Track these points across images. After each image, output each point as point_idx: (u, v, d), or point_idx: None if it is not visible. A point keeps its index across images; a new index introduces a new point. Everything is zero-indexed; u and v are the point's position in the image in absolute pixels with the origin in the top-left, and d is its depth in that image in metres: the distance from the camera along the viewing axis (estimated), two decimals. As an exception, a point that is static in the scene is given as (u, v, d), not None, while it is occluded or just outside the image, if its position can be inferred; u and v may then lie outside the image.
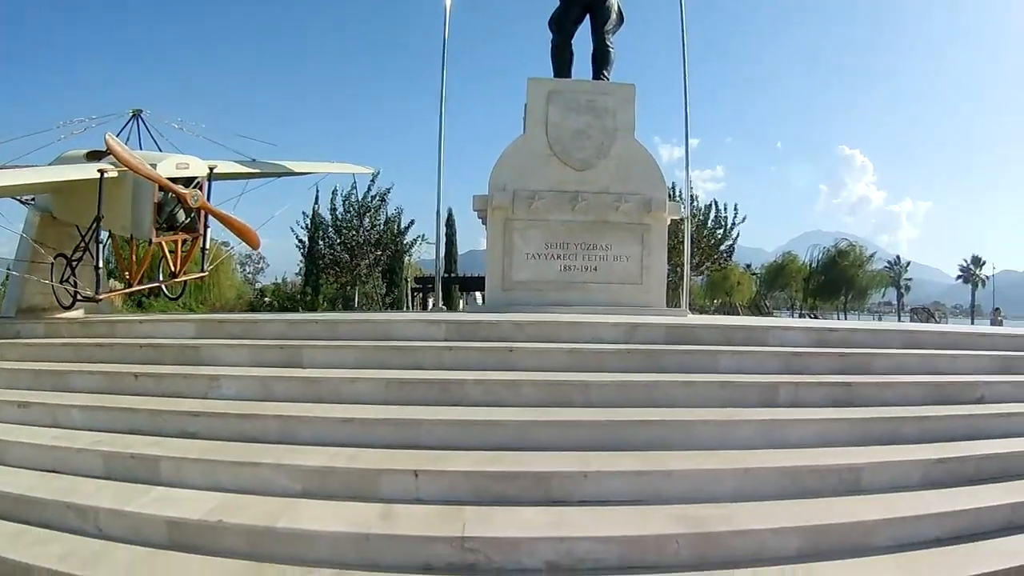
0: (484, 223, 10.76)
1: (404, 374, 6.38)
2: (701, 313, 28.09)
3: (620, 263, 10.06)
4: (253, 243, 10.28)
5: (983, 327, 20.10)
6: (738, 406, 6.18)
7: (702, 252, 32.12)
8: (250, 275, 45.69)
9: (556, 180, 10.18)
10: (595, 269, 10.06)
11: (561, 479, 4.79)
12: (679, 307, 11.69)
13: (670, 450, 5.41)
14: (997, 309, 32.86)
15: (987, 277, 61.27)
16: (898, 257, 61.72)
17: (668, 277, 13.17)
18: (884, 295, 56.16)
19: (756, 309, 40.68)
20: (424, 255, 36.69)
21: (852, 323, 18.65)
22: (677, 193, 19.67)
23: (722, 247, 34.08)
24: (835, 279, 47.23)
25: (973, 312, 60.80)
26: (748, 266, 50.57)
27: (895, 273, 59.02)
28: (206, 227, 9.27)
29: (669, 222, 11.26)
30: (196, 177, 8.61)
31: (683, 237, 14.51)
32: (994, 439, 6.26)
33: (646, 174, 10.33)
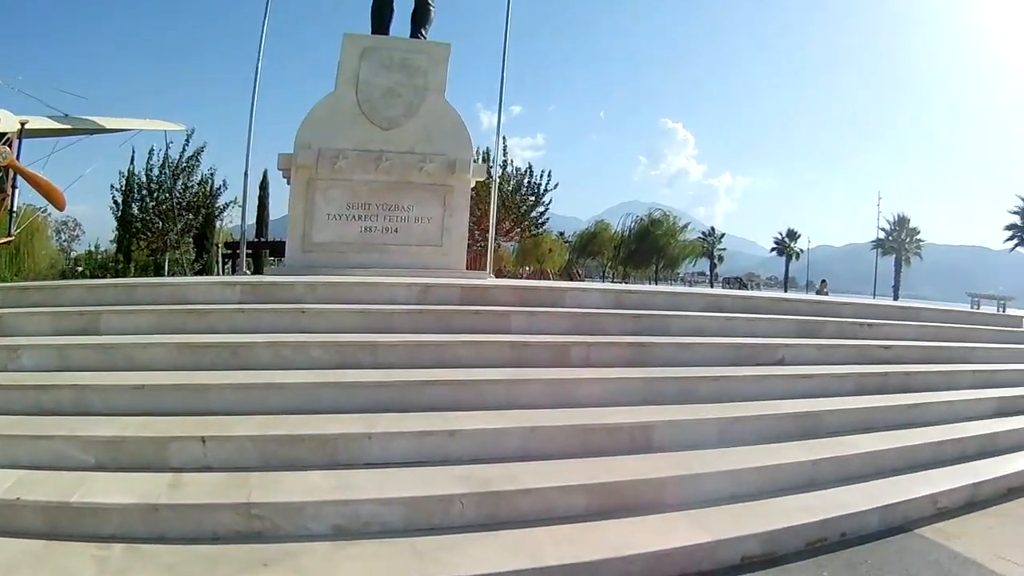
0: (290, 183, 10.23)
1: (197, 338, 6.12)
2: (513, 279, 28.55)
3: (421, 225, 9.83)
4: (59, 204, 9.39)
5: (788, 294, 21.55)
6: (528, 366, 6.18)
7: (513, 218, 32.40)
8: (65, 243, 42.01)
9: (363, 139, 9.81)
10: (396, 231, 9.78)
11: (347, 441, 4.70)
12: (483, 271, 11.66)
13: (458, 411, 5.34)
14: (824, 281, 35.22)
15: (801, 250, 65.30)
16: (712, 228, 64.45)
17: (479, 242, 13.16)
18: (695, 265, 58.61)
19: (568, 276, 41.41)
20: (239, 220, 35.08)
21: (654, 287, 19.36)
22: (492, 159, 19.62)
23: (533, 214, 34.48)
24: (647, 248, 48.20)
25: (787, 283, 65.16)
26: (561, 234, 51.57)
27: (709, 244, 61.01)
28: (14, 187, 8.53)
29: (473, 184, 11.17)
30: (5, 133, 7.92)
31: (495, 201, 14.42)
32: (796, 399, 6.57)
33: (453, 135, 10.13)
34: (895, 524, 5.20)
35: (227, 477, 4.28)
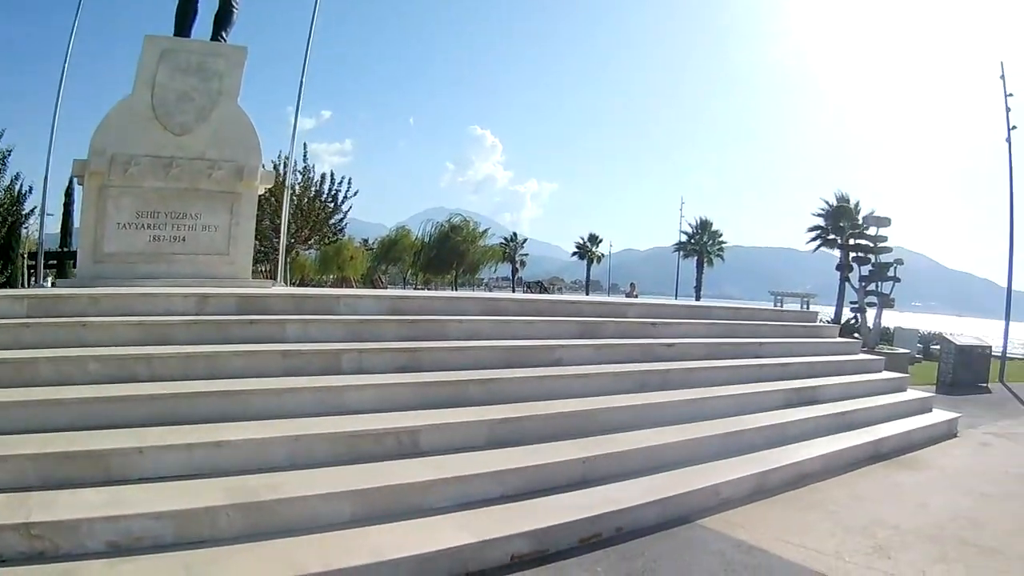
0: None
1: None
2: (317, 287, 28.00)
3: (208, 233, 9.43)
4: None
5: (570, 296, 22.26)
6: (299, 375, 6.15)
7: (312, 226, 31.73)
8: None
9: (156, 145, 9.28)
10: (183, 240, 9.33)
11: (120, 457, 4.61)
12: (275, 280, 11.44)
13: (228, 421, 5.28)
14: (632, 284, 36.26)
15: (602, 255, 66.79)
16: (515, 234, 64.76)
17: (278, 250, 12.87)
18: (496, 270, 58.74)
19: (371, 284, 41.15)
20: (48, 230, 32.65)
21: (434, 292, 19.64)
22: (287, 165, 18.83)
23: (332, 221, 33.65)
24: (447, 254, 48.24)
25: (588, 286, 66.91)
26: (365, 241, 50.83)
27: (511, 249, 61.49)
28: None
29: (263, 191, 10.96)
30: None
31: (294, 208, 14.07)
32: (570, 399, 6.80)
33: (243, 141, 9.80)
34: (676, 516, 5.43)
35: (9, 497, 4.13)
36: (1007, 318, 22.08)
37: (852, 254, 21.04)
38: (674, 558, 4.75)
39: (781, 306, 39.94)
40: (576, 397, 6.90)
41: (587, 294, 53.31)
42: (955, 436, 9.77)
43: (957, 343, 17.68)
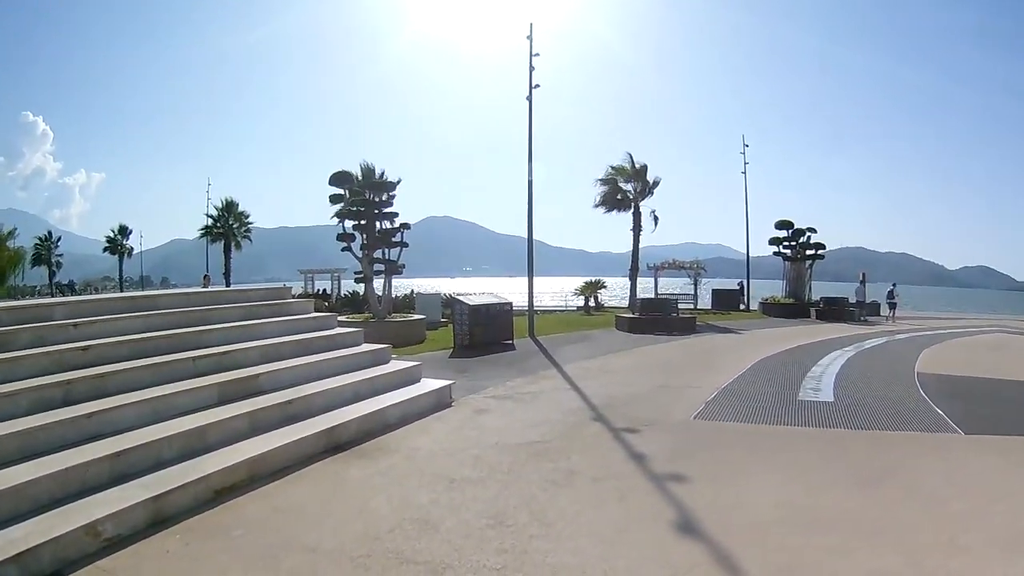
0: None
1: None
2: None
3: None
4: None
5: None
6: None
7: None
8: None
9: None
10: None
11: None
12: None
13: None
14: (206, 276, 32.75)
15: (132, 247, 61.57)
16: (49, 233, 59.33)
17: None
18: (22, 277, 51.66)
19: None
20: None
21: None
22: None
23: None
24: None
25: (121, 283, 60.94)
26: None
27: (46, 249, 56.37)
28: None
29: None
30: None
31: None
32: None
33: None
34: (43, 572, 4.21)
35: None
36: (530, 274, 22.33)
37: (351, 222, 19.94)
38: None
39: (313, 284, 39.52)
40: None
41: (120, 290, 48.01)
42: (449, 406, 9.30)
43: (469, 303, 17.49)
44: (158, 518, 5.04)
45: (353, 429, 7.48)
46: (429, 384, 9.66)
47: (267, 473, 6.11)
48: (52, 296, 42.42)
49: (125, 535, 4.76)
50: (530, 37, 21.37)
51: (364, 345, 10.46)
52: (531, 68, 21.21)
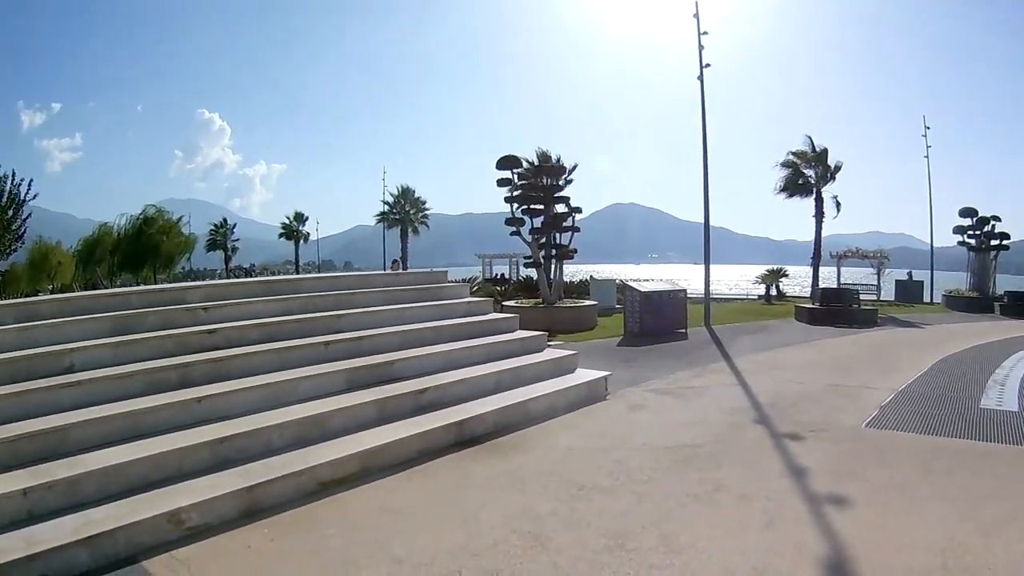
0: None
1: None
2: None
3: None
4: None
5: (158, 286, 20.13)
6: None
7: None
8: None
9: None
10: None
11: None
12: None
13: None
14: (396, 260, 33.90)
15: (308, 233, 63.41)
16: (224, 220, 60.33)
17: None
18: (189, 261, 54.86)
19: (92, 287, 36.78)
20: None
21: None
22: None
23: (14, 227, 29.34)
24: (141, 249, 43.87)
25: (298, 267, 62.99)
26: (59, 243, 45.54)
27: (222, 235, 57.87)
28: None
29: None
30: None
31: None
32: (40, 417, 5.32)
33: None
34: (118, 556, 4.10)
35: None
36: (706, 260, 20.72)
37: (521, 206, 19.41)
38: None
39: (491, 268, 39.64)
40: (50, 414, 5.36)
41: (297, 274, 50.52)
42: (603, 399, 8.58)
43: (641, 290, 16.48)
44: (252, 509, 4.76)
45: (489, 422, 6.93)
46: (583, 375, 8.95)
47: (383, 466, 5.70)
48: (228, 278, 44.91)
49: (213, 524, 4.53)
50: (696, 15, 19.77)
51: (518, 332, 9.88)
52: (700, 47, 19.63)
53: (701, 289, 20.55)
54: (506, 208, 19.51)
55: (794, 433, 6.97)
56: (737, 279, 43.57)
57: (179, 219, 47.40)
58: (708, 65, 19.77)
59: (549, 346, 9.96)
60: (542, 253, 19.76)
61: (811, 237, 30.23)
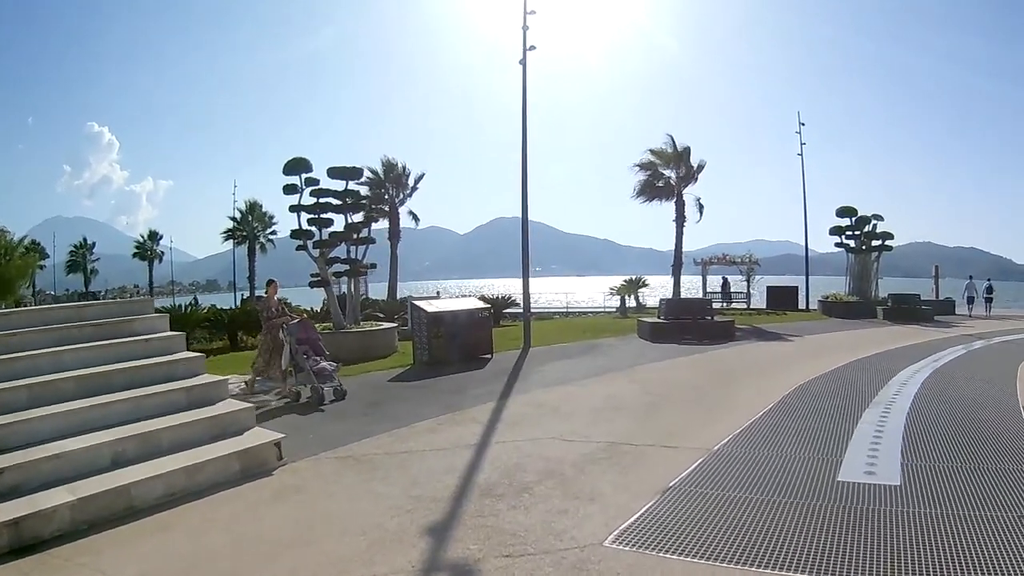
0: None
1: None
2: None
3: None
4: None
5: None
6: None
7: None
8: None
9: None
10: None
11: None
12: None
13: None
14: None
15: (162, 252, 59.57)
16: (84, 240, 57.62)
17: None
18: (31, 287, 50.18)
19: None
20: None
21: None
22: None
23: None
24: None
25: (151, 289, 58.96)
26: None
27: (80, 257, 55.26)
28: None
29: None
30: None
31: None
32: None
33: None
34: None
35: None
36: (524, 271, 17.47)
37: (307, 216, 16.18)
38: None
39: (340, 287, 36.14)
40: None
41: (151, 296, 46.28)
42: (270, 473, 6.14)
43: (428, 311, 13.48)
44: None
45: (66, 518, 4.89)
46: (249, 439, 6.44)
47: None
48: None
49: None
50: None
51: (194, 379, 7.43)
52: (524, 27, 16.91)
53: (581, 301, 18.05)
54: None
55: (474, 564, 4.02)
56: (606, 290, 41.78)
57: (21, 239, 42.88)
58: (533, 47, 17.04)
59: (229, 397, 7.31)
60: (330, 269, 16.68)
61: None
